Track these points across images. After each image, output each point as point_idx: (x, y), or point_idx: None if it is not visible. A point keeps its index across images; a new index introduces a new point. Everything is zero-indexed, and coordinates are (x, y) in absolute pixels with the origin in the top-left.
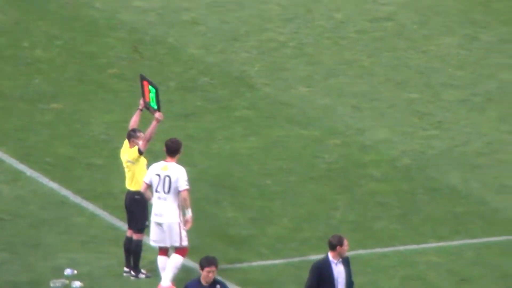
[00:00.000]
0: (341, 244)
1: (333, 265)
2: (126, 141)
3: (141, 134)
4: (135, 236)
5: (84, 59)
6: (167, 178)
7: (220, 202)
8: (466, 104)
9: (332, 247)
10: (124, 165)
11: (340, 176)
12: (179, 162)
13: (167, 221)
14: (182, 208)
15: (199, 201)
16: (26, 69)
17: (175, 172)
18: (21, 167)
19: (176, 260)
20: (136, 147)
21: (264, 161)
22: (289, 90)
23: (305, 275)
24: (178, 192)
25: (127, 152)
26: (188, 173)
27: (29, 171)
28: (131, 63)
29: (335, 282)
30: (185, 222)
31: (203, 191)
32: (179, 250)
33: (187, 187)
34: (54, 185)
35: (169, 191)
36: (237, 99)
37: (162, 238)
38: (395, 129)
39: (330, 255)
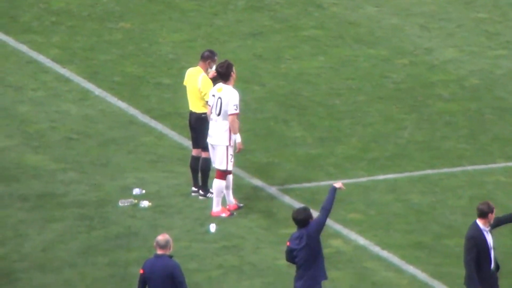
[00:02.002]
0: (491, 211)
1: (485, 233)
2: (197, 68)
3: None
4: (203, 154)
5: None
6: (219, 100)
7: (289, 121)
8: None
9: (483, 214)
10: (190, 88)
11: (408, 96)
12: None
13: (215, 143)
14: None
15: (267, 120)
16: None
17: (227, 95)
18: (89, 86)
19: (217, 185)
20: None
21: (332, 80)
22: (357, 9)
23: (374, 195)
24: (227, 116)
25: (203, 82)
26: (256, 92)
27: (97, 90)
28: None
29: (490, 250)
30: (237, 147)
31: (271, 111)
32: (220, 174)
33: (235, 111)
34: (122, 104)
35: (219, 113)
36: (304, 18)
37: (214, 159)
38: (463, 48)
39: (480, 222)
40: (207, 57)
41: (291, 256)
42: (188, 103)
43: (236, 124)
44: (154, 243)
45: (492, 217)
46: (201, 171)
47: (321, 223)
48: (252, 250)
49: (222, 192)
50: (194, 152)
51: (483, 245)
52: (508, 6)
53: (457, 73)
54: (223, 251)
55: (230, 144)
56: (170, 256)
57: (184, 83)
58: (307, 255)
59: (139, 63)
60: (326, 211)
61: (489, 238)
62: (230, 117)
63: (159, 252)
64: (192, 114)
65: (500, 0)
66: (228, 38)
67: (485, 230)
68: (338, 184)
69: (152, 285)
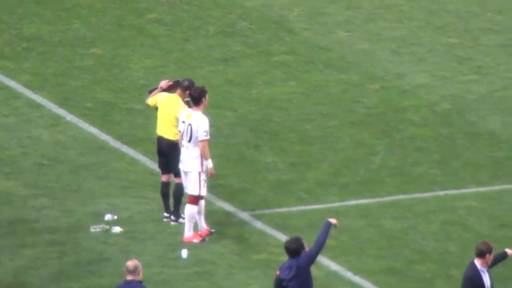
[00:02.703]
0: (490, 251)
1: (482, 274)
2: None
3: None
4: (176, 180)
5: (123, 4)
6: (189, 127)
7: (260, 146)
8: (505, 48)
9: (481, 254)
10: (166, 115)
11: (379, 121)
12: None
13: (187, 169)
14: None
15: (239, 145)
16: (66, 14)
17: (196, 121)
18: (61, 112)
19: (189, 210)
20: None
21: (303, 105)
22: (328, 34)
23: (345, 221)
24: (198, 142)
25: (177, 108)
26: (228, 117)
27: (68, 116)
28: (170, 7)
29: None
30: (209, 172)
31: (243, 136)
32: (192, 199)
33: (206, 138)
34: (93, 130)
35: (190, 140)
36: (276, 43)
37: (186, 185)
38: (434, 73)
39: (478, 262)
40: (187, 88)
41: (280, 285)
42: (156, 127)
43: (207, 150)
44: (124, 269)
45: (490, 257)
46: (174, 197)
47: (313, 256)
48: (224, 276)
49: (194, 217)
50: (164, 178)
51: (480, 286)
52: (479, 31)
53: (429, 98)
54: (195, 277)
55: (202, 170)
56: (140, 282)
57: (155, 105)
58: (297, 285)
59: (110, 89)
60: (319, 244)
61: (486, 279)
62: (201, 143)
63: (129, 277)
64: (163, 140)
65: (471, 25)
66: (200, 64)
67: (482, 271)
68: (333, 220)
69: None
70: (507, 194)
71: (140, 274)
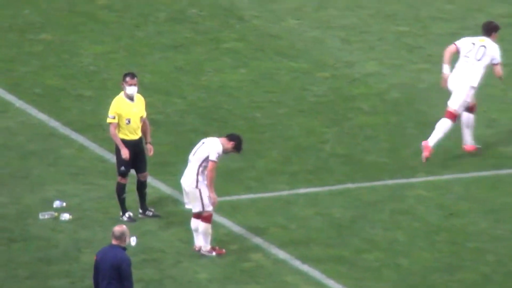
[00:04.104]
0: None
1: None
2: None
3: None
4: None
5: None
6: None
7: (209, 134)
8: (455, 37)
9: None
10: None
11: (329, 109)
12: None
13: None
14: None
15: (188, 132)
16: None
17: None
18: (10, 97)
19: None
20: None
21: (253, 93)
22: (278, 22)
23: (294, 209)
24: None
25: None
26: (177, 104)
27: (17, 102)
28: None
29: None
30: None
31: (192, 123)
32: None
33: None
34: (43, 116)
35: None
36: (226, 30)
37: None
38: (384, 62)
39: None
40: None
41: None
42: (135, 130)
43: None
44: (111, 233)
45: None
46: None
47: None
48: (172, 264)
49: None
50: (143, 177)
51: None
52: (429, 20)
53: (378, 86)
54: (143, 265)
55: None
56: (124, 248)
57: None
58: None
59: (60, 75)
60: None
61: None
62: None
63: (114, 242)
64: (139, 140)
65: (421, 14)
66: (149, 50)
67: None
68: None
69: (101, 273)
70: (456, 183)
71: (126, 240)
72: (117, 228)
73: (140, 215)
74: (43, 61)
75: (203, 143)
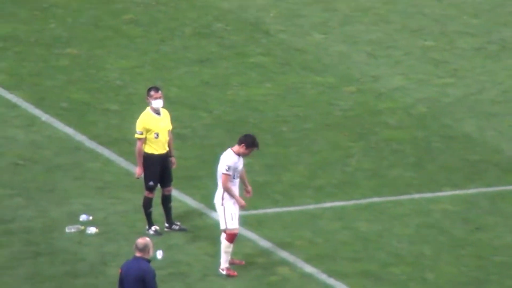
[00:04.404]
0: None
1: None
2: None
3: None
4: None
5: (99, 4)
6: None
7: None
8: (481, 52)
9: None
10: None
11: (355, 124)
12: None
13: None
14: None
15: (214, 147)
16: (42, 14)
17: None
18: (36, 112)
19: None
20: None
21: (279, 107)
22: (304, 36)
23: (320, 222)
24: (220, 176)
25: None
26: (204, 119)
27: (44, 116)
28: (146, 8)
29: None
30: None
31: (218, 137)
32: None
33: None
34: (69, 130)
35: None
36: (252, 45)
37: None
38: (410, 76)
39: None
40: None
41: None
42: (163, 144)
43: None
44: (134, 245)
45: None
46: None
47: None
48: (199, 278)
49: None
50: (168, 191)
51: None
52: (455, 34)
53: (404, 101)
54: (170, 278)
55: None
56: (148, 260)
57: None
58: None
59: (86, 89)
60: None
61: None
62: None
63: (137, 254)
64: (167, 154)
65: (447, 28)
66: (175, 65)
67: None
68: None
69: (126, 285)
70: (482, 198)
71: (150, 252)
72: (140, 241)
73: (166, 229)
74: (69, 76)
75: (221, 159)
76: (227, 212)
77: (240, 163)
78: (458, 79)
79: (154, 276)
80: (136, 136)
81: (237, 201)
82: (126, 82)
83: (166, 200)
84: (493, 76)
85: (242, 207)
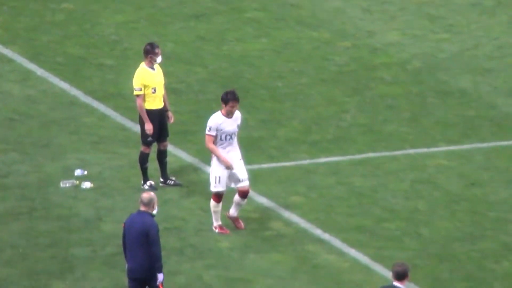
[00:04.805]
0: (408, 274)
1: None
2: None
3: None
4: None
5: None
6: None
7: None
8: (477, 7)
9: (400, 277)
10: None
11: (350, 79)
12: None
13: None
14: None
15: (209, 102)
16: None
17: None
18: (32, 66)
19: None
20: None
21: (274, 63)
22: None
23: (315, 178)
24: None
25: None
26: (199, 74)
27: (39, 71)
28: None
29: None
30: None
31: (213, 92)
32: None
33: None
34: (64, 85)
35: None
36: (247, 0)
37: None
38: (405, 32)
39: (398, 284)
40: (147, 52)
41: None
42: (160, 98)
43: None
44: (139, 199)
45: (408, 279)
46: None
47: None
48: (193, 232)
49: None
50: (163, 146)
51: None
52: None
53: (400, 56)
54: (165, 233)
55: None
56: (152, 215)
57: (156, 80)
58: None
59: (81, 44)
60: None
61: None
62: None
63: (142, 208)
64: (164, 109)
65: None
66: (171, 20)
67: None
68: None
69: (129, 238)
70: (477, 153)
71: (155, 207)
72: (145, 195)
73: (161, 184)
74: (64, 31)
75: None
76: (212, 175)
77: (227, 124)
78: (454, 35)
79: (157, 230)
80: (136, 93)
81: (222, 161)
82: (121, 37)
83: (162, 155)
84: (489, 31)
85: (228, 168)
